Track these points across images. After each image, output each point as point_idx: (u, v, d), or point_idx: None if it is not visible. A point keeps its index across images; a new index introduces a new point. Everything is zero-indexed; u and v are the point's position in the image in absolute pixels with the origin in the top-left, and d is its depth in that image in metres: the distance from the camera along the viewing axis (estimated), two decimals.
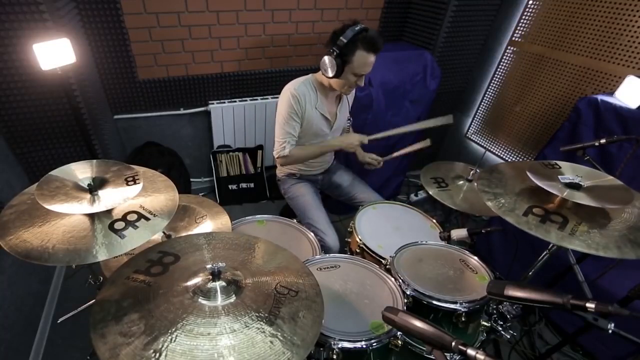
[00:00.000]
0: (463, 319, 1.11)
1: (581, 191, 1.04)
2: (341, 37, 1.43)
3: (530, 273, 1.19)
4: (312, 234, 1.54)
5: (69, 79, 1.58)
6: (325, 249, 1.60)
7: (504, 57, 2.44)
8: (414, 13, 2.55)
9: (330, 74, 1.50)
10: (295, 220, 1.61)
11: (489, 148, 2.66)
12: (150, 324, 0.73)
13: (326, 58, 1.49)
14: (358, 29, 1.43)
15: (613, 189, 1.05)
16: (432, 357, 0.73)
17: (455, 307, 1.11)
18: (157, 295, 0.81)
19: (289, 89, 1.58)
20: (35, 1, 1.43)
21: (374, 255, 1.42)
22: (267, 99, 2.55)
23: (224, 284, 0.83)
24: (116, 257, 0.94)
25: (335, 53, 1.45)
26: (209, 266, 0.84)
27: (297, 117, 1.59)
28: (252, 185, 2.76)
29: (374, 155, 1.86)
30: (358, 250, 1.49)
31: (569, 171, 1.14)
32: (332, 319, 1.07)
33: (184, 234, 1.30)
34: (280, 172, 1.92)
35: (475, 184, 1.51)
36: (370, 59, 1.49)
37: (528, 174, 1.09)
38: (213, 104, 2.43)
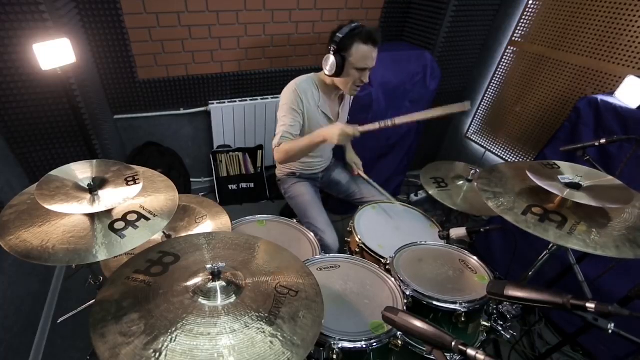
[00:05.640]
0: (463, 319, 1.11)
1: (581, 191, 1.04)
2: (337, 34, 1.47)
3: (530, 273, 1.19)
4: (312, 234, 1.54)
5: (69, 79, 1.58)
6: (324, 248, 1.59)
7: (504, 57, 2.44)
8: (414, 13, 2.55)
9: (332, 72, 1.51)
10: (295, 220, 1.61)
11: (489, 148, 2.66)
12: (150, 324, 0.73)
13: (326, 58, 1.51)
14: (354, 26, 1.46)
15: (613, 189, 1.06)
16: (432, 357, 0.73)
17: (455, 307, 1.11)
18: (157, 295, 0.81)
19: (291, 84, 1.60)
20: (35, 1, 1.42)
21: (373, 255, 1.42)
22: (267, 99, 2.55)
23: (224, 284, 0.83)
24: (116, 257, 0.94)
25: (333, 49, 1.47)
26: (209, 266, 0.84)
27: (298, 110, 1.59)
28: (252, 185, 2.76)
29: (360, 164, 1.92)
30: (357, 250, 1.49)
31: (569, 171, 1.14)
32: (332, 319, 1.07)
33: (184, 234, 1.30)
34: (280, 172, 1.92)
35: (475, 183, 1.51)
36: (370, 52, 1.48)
37: (528, 173, 1.09)
38: (213, 104, 2.43)
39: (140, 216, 0.96)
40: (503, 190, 1.12)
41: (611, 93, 1.70)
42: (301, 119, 1.62)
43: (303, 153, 1.58)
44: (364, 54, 1.48)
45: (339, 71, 1.50)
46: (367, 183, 1.90)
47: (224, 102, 2.46)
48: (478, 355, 0.66)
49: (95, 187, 0.96)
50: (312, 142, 1.51)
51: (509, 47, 2.40)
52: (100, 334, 0.71)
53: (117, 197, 0.95)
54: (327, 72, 1.54)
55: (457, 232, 1.37)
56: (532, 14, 2.23)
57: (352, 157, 1.97)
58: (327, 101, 1.68)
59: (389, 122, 1.50)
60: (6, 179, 1.65)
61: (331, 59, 1.49)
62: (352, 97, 1.85)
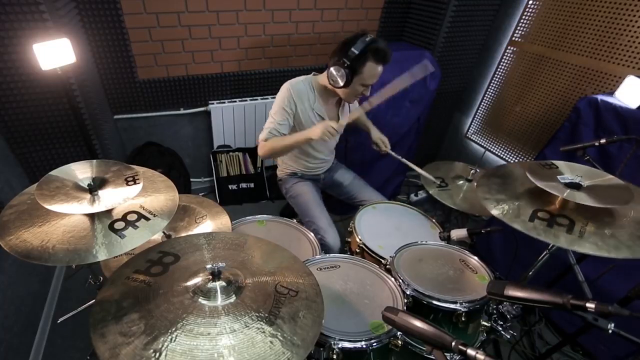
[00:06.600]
0: (463, 319, 1.11)
1: (581, 191, 1.03)
2: (352, 49, 1.42)
3: (530, 273, 1.19)
4: (312, 234, 1.54)
5: (69, 79, 1.58)
6: (325, 248, 1.59)
7: (504, 57, 2.44)
8: (414, 13, 2.55)
9: (341, 84, 1.49)
10: (295, 220, 1.61)
11: (489, 148, 2.66)
12: (150, 324, 0.73)
13: (335, 68, 1.47)
14: (369, 40, 1.42)
15: (613, 188, 1.05)
16: (432, 357, 0.73)
17: (455, 307, 1.11)
18: (157, 295, 0.81)
19: (287, 83, 1.60)
20: (35, 1, 1.42)
21: (374, 255, 1.42)
22: (267, 99, 2.55)
23: (224, 284, 0.83)
24: (116, 257, 0.94)
25: (345, 64, 1.44)
26: (209, 266, 0.84)
27: (289, 110, 1.58)
28: (252, 185, 2.76)
29: (386, 141, 1.81)
30: (358, 250, 1.49)
31: (567, 170, 1.14)
32: (332, 319, 1.07)
33: (184, 234, 1.30)
34: (282, 172, 1.92)
35: (476, 184, 1.50)
36: (379, 70, 1.49)
37: (529, 175, 1.08)
38: (213, 104, 2.43)
39: (140, 216, 0.96)
40: (505, 196, 1.11)
41: (611, 93, 1.70)
42: (291, 120, 1.61)
43: (286, 151, 1.61)
44: (374, 73, 1.48)
45: (346, 84, 1.48)
46: (397, 159, 1.78)
47: (224, 102, 2.46)
48: (478, 355, 0.66)
49: (95, 187, 0.96)
50: (297, 141, 1.54)
51: (509, 47, 2.40)
52: (100, 334, 0.71)
53: (117, 197, 0.95)
54: (332, 84, 1.52)
55: (458, 233, 1.37)
56: (532, 14, 2.23)
57: (376, 135, 1.84)
58: (323, 104, 1.67)
59: (366, 106, 1.52)
60: (6, 179, 1.65)
61: (340, 72, 1.46)
62: None
